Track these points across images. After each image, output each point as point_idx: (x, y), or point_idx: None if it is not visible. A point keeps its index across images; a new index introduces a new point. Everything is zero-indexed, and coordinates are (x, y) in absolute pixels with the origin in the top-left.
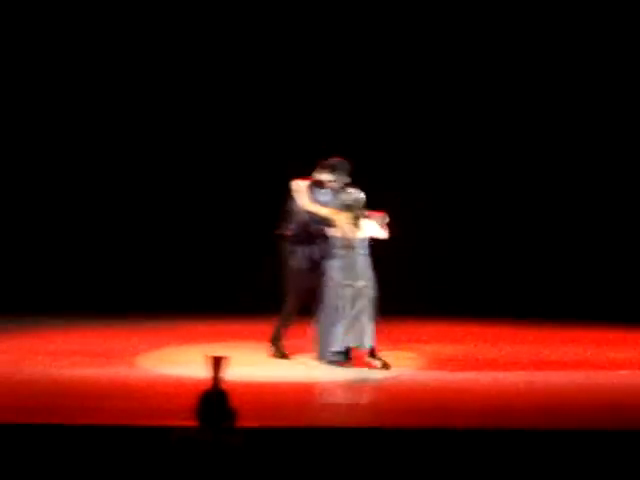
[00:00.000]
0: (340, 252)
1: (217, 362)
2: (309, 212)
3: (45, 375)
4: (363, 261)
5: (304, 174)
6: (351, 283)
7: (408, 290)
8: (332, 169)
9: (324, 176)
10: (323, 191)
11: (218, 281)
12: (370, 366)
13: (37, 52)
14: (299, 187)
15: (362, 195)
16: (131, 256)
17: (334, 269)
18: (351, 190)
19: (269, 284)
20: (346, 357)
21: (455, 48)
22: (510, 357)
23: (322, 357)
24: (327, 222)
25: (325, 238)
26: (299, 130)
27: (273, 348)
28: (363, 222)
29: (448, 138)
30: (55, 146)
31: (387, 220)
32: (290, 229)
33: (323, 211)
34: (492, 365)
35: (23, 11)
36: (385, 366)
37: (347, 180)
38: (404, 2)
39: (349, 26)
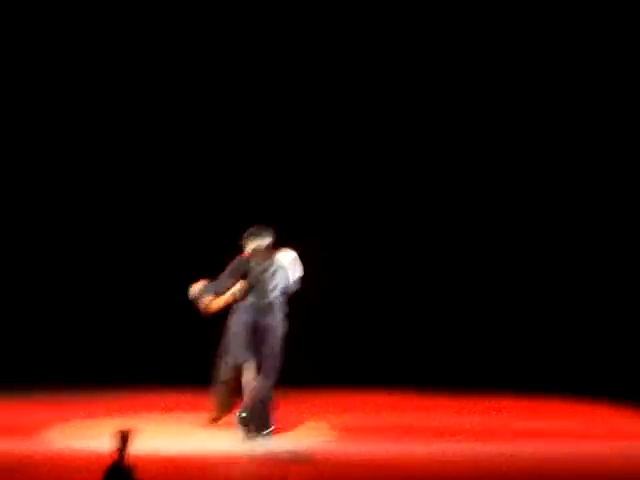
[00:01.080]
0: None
1: (123, 436)
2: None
3: None
4: None
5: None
6: None
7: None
8: (261, 235)
9: (256, 244)
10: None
11: (123, 353)
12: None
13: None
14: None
15: None
16: (38, 327)
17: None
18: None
19: (176, 355)
20: None
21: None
22: (429, 426)
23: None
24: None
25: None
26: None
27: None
28: None
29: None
30: None
31: None
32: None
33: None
34: (415, 435)
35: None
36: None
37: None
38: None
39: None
